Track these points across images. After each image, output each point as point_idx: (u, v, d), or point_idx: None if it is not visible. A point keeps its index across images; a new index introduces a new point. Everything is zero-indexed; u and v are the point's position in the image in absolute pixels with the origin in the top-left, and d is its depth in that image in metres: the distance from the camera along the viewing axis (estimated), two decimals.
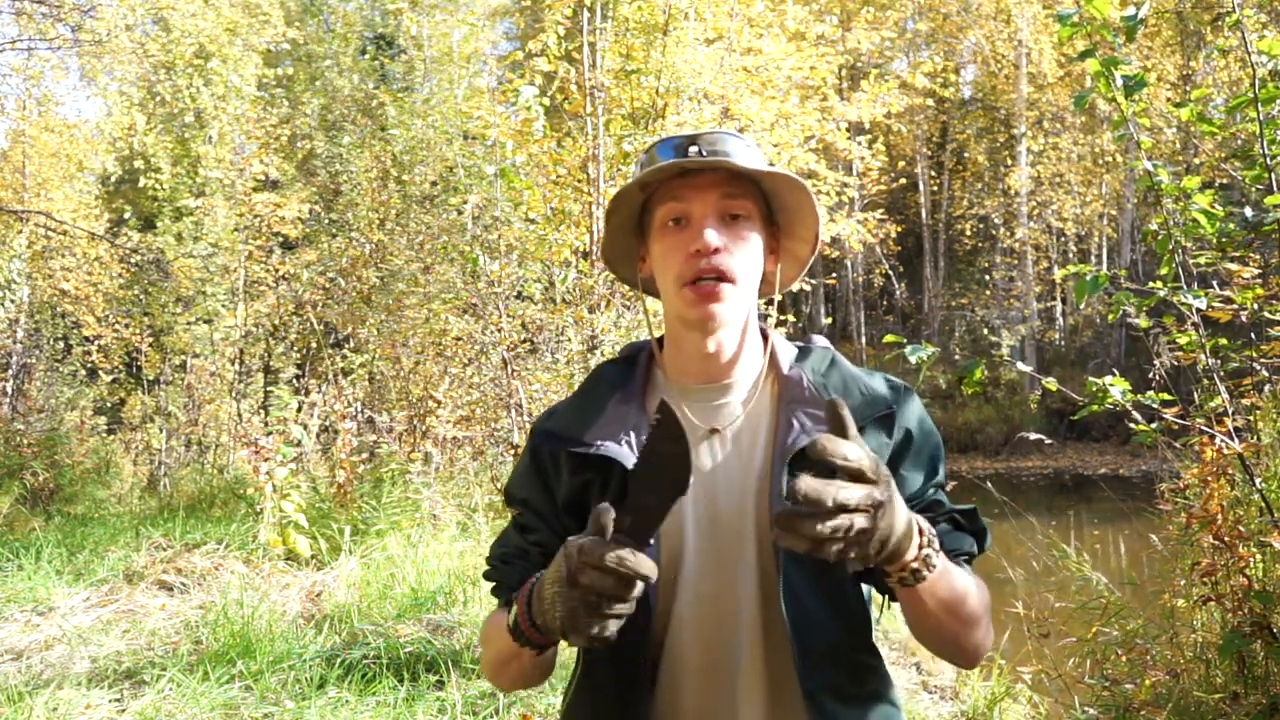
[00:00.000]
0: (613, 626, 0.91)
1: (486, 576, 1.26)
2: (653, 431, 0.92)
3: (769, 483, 1.13)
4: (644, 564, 0.89)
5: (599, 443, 1.15)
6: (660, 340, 1.27)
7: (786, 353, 1.24)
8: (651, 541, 0.92)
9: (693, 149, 1.14)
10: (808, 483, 0.84)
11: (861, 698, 1.13)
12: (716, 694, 1.12)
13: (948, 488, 1.24)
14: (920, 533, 0.98)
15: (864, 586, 1.18)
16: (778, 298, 1.28)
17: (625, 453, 1.14)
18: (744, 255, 1.15)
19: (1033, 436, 3.98)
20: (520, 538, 1.23)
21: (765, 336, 1.25)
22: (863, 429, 1.13)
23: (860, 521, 0.85)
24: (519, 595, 1.06)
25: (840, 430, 0.89)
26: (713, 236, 1.12)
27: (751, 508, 1.13)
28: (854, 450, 0.86)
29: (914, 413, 1.18)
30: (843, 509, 0.84)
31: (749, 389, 1.20)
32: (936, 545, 1.00)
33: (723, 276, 1.13)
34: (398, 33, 15.76)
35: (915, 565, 0.98)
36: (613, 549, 0.89)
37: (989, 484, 3.91)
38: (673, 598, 1.14)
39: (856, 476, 0.86)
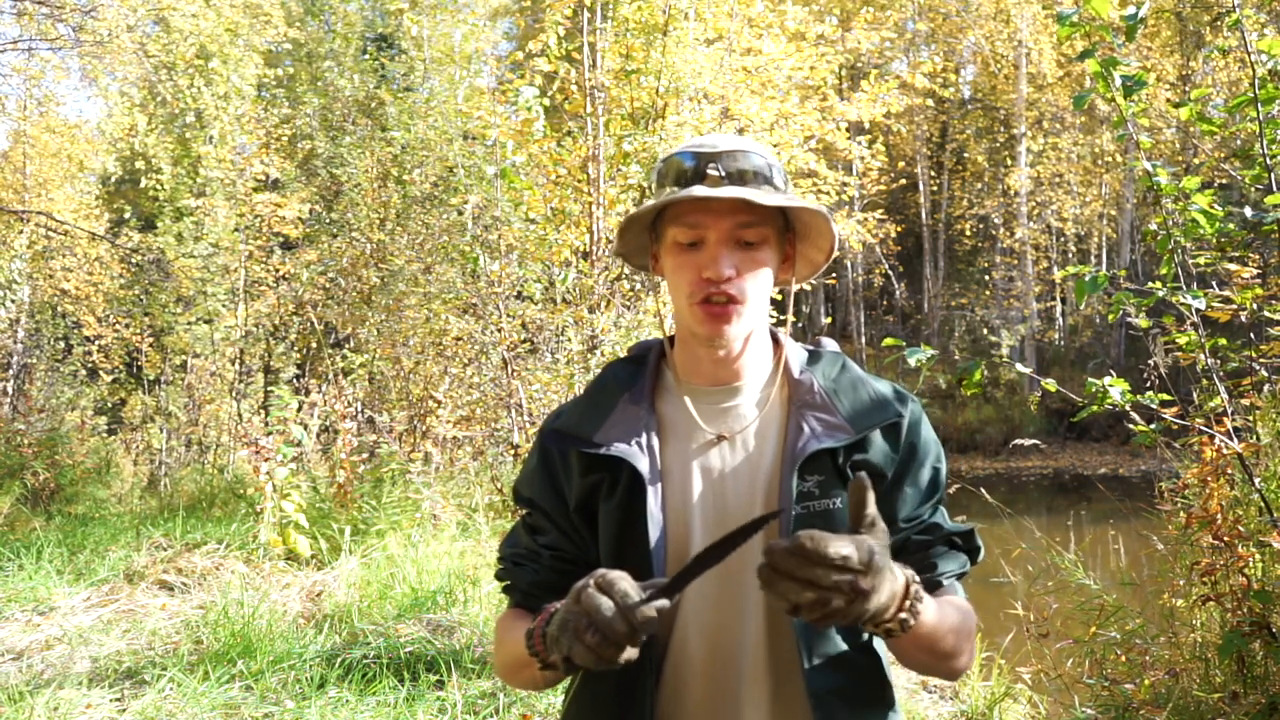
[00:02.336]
0: (610, 656, 0.92)
1: (498, 576, 1.27)
2: (748, 525, 0.93)
3: (778, 486, 1.13)
4: (646, 612, 0.90)
5: (610, 443, 1.15)
6: (671, 339, 1.26)
7: (797, 356, 1.23)
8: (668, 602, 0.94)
9: (711, 168, 1.12)
10: (785, 559, 0.87)
11: (865, 700, 1.15)
12: (720, 694, 1.13)
13: (949, 489, 1.24)
14: (907, 594, 0.98)
15: None
16: (791, 301, 1.28)
17: (635, 453, 1.14)
18: (755, 279, 1.15)
19: (1028, 443, 3.98)
20: (530, 539, 1.23)
21: (776, 340, 1.25)
22: (868, 435, 1.15)
23: (837, 602, 0.88)
24: (538, 622, 1.07)
25: (860, 506, 0.91)
26: (725, 267, 1.12)
27: (760, 510, 1.13)
28: (844, 547, 0.88)
29: (919, 428, 1.19)
30: (820, 586, 0.87)
31: (759, 391, 1.20)
32: (918, 607, 1.00)
33: (732, 300, 1.13)
34: (398, 33, 15.76)
35: (890, 626, 0.99)
36: (632, 584, 0.92)
37: (989, 484, 3.91)
38: (680, 598, 1.14)
39: (843, 568, 0.88)
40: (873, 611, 0.92)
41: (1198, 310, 2.76)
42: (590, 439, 1.16)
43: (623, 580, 0.93)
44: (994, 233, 21.98)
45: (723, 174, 1.12)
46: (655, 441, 1.16)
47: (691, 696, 1.14)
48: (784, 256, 1.22)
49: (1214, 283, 3.34)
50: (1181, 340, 2.85)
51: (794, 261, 1.24)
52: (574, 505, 1.19)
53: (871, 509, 0.92)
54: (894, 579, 0.96)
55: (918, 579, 1.02)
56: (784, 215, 1.20)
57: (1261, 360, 3.09)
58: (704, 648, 1.13)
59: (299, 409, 7.09)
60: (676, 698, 1.14)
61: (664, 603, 0.92)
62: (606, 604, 0.91)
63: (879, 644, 1.19)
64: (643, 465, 1.13)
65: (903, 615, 0.99)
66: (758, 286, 1.15)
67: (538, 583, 1.21)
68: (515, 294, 6.85)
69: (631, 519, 1.14)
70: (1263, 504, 2.75)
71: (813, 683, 1.10)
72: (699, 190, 1.10)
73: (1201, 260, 3.07)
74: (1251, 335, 3.09)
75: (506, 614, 1.24)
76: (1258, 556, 2.82)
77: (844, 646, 1.13)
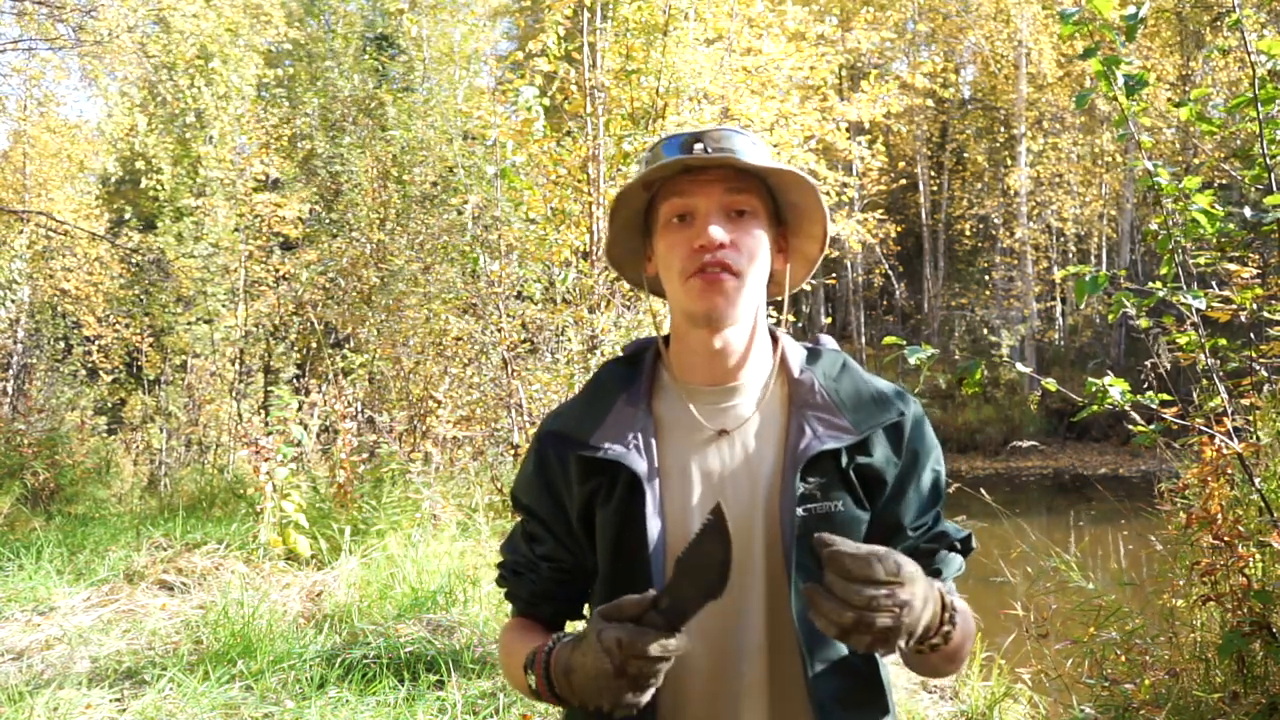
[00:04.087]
0: (649, 695, 0.96)
1: (499, 582, 1.27)
2: (702, 530, 0.94)
3: (779, 488, 1.12)
4: (683, 646, 0.94)
5: (606, 446, 1.13)
6: (666, 339, 1.24)
7: (796, 354, 1.21)
8: (684, 628, 0.96)
9: (698, 146, 1.12)
10: (836, 583, 0.90)
11: (866, 705, 1.14)
12: (720, 698, 1.12)
13: (949, 488, 1.24)
14: (944, 607, 1.00)
15: None
16: (786, 299, 1.26)
17: (632, 455, 1.12)
18: (750, 251, 1.13)
19: (1028, 443, 3.99)
20: (529, 548, 1.23)
21: (774, 338, 1.22)
22: (870, 436, 1.14)
23: (885, 620, 0.90)
24: (535, 662, 1.06)
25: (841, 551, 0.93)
26: (717, 232, 1.10)
27: (760, 513, 1.12)
28: (870, 564, 0.91)
29: (921, 428, 1.18)
30: (867, 607, 0.89)
31: (758, 391, 1.18)
32: (955, 619, 1.02)
33: (727, 269, 1.11)
34: (398, 33, 15.77)
35: (935, 641, 1.00)
36: (654, 639, 0.93)
37: (989, 484, 3.92)
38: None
39: (873, 581, 0.90)
40: (922, 625, 0.93)
41: (1198, 310, 2.76)
42: (587, 441, 1.15)
43: (646, 633, 0.94)
44: (994, 233, 21.97)
45: (708, 149, 1.12)
46: (653, 443, 1.15)
47: (691, 699, 1.13)
48: (777, 247, 1.20)
49: (1214, 283, 3.34)
50: (1181, 340, 2.85)
51: (788, 255, 1.22)
52: (576, 515, 1.17)
53: (850, 548, 0.93)
54: (928, 586, 0.96)
55: (942, 585, 1.03)
56: (774, 202, 1.19)
57: (1261, 360, 3.09)
58: (703, 650, 1.12)
59: (299, 409, 7.09)
60: (676, 701, 1.13)
61: (678, 642, 0.94)
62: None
63: None
64: (640, 467, 1.12)
65: (946, 628, 1.00)
66: (754, 259, 1.13)
67: (538, 593, 1.22)
68: (515, 294, 6.85)
69: (629, 521, 1.12)
70: (1263, 504, 2.75)
71: (816, 689, 1.09)
72: (685, 159, 1.11)
73: (1201, 260, 3.07)
74: (1251, 335, 3.09)
75: (512, 624, 1.24)
76: (1258, 556, 2.82)
77: (844, 651, 1.12)
